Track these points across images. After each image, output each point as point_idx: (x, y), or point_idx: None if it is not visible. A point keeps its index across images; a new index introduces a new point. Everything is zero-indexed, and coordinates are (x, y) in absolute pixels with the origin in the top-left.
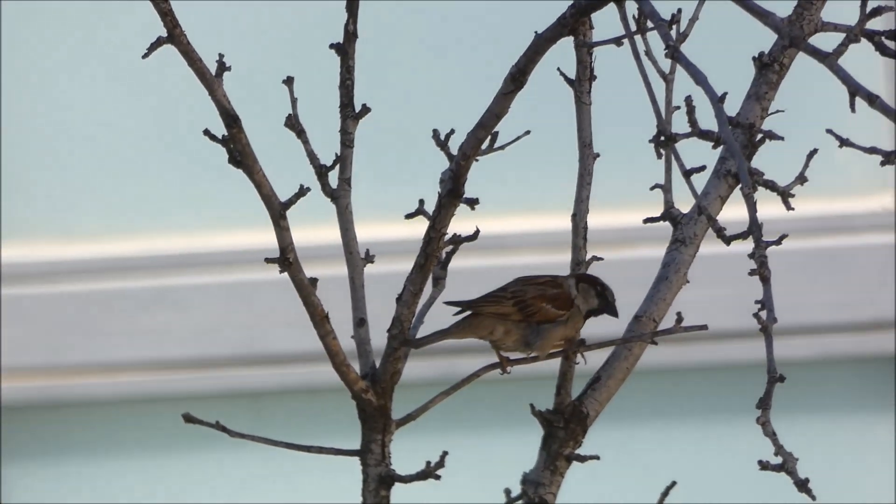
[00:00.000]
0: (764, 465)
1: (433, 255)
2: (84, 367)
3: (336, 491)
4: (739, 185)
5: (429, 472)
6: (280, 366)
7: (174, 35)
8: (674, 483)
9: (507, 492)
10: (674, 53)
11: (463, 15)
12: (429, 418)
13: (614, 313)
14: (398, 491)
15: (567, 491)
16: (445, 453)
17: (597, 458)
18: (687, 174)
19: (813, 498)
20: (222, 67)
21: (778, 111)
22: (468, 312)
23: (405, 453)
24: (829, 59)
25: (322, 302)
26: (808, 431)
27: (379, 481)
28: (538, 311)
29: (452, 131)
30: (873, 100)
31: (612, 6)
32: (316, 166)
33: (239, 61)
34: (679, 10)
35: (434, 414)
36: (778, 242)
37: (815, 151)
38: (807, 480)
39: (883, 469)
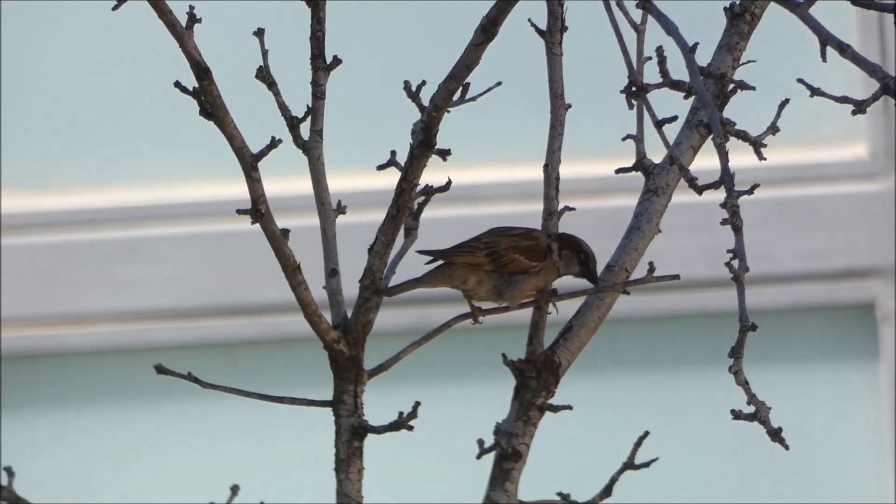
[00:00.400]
0: (737, 415)
1: (405, 206)
2: (56, 319)
3: (309, 442)
4: (711, 135)
5: (401, 423)
6: (252, 316)
7: None
8: (647, 433)
9: (481, 442)
10: (645, 4)
11: None
12: (401, 368)
13: (595, 281)
14: (371, 441)
15: (540, 441)
16: (418, 404)
17: (569, 407)
18: (659, 124)
19: (786, 447)
20: (192, 19)
21: (749, 61)
22: (440, 262)
23: (378, 404)
24: (800, 9)
25: (294, 253)
26: (781, 380)
27: (352, 432)
28: (511, 261)
29: (424, 82)
30: (844, 49)
31: None
32: (287, 118)
33: (209, 13)
34: None
35: (406, 364)
36: (750, 192)
37: (786, 101)
38: (780, 430)
39: (857, 417)
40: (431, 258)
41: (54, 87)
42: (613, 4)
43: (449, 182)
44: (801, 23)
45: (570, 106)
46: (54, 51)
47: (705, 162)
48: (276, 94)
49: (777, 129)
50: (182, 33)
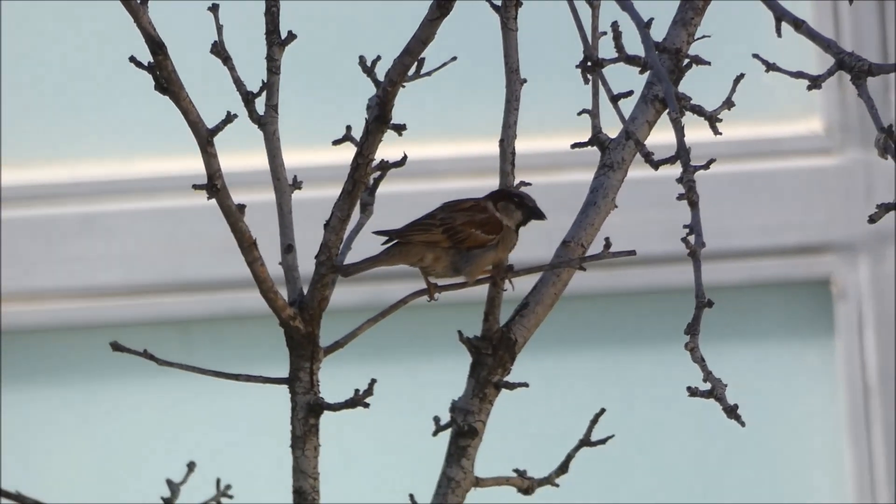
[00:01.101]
0: (693, 392)
1: (361, 181)
2: (10, 295)
3: (265, 419)
4: (667, 110)
5: (357, 400)
6: (208, 293)
7: None
8: (603, 410)
9: (437, 419)
10: None
11: None
12: (357, 345)
13: (541, 216)
14: (327, 419)
15: (496, 418)
16: (374, 381)
17: (526, 385)
18: (614, 99)
19: (742, 424)
20: None
21: (704, 36)
22: (397, 240)
23: (333, 381)
24: None
25: (250, 228)
26: (737, 357)
27: (307, 409)
28: (468, 237)
29: (379, 58)
30: (799, 25)
31: None
32: (242, 93)
33: None
34: None
35: (362, 341)
36: (706, 167)
37: (741, 76)
38: (736, 407)
39: (813, 393)
40: (388, 238)
41: (6, 63)
42: None
43: (405, 157)
44: None
45: (525, 81)
46: (5, 27)
47: (661, 137)
48: (232, 69)
49: (732, 104)
50: (136, 8)
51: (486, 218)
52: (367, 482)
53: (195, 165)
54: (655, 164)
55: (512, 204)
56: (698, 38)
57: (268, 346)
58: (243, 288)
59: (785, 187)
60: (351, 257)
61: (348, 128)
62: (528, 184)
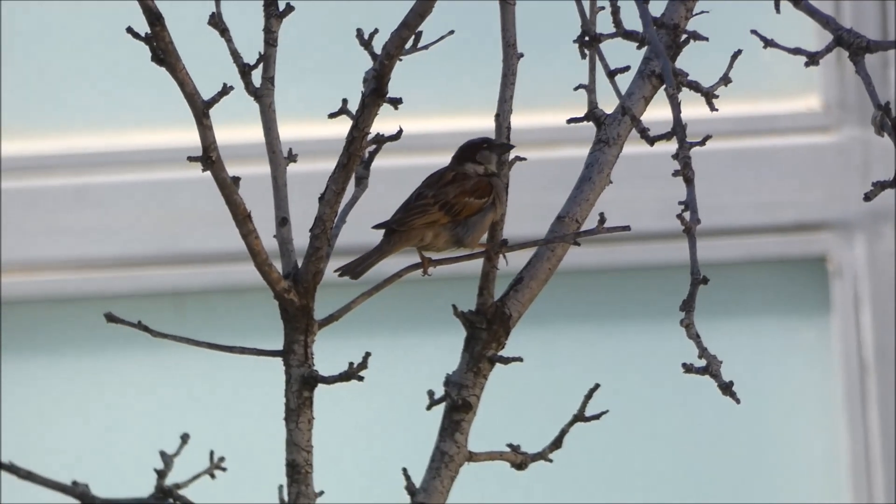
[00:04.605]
0: (688, 368)
1: (356, 155)
2: (5, 266)
3: (259, 391)
4: (664, 86)
5: (352, 374)
6: (203, 265)
7: None
8: (597, 385)
9: (431, 393)
10: None
11: None
12: (351, 319)
13: (509, 146)
14: (321, 392)
15: (490, 392)
16: (368, 354)
17: (520, 359)
18: (611, 74)
19: (737, 401)
20: None
21: (702, 12)
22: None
23: (328, 354)
24: None
25: (245, 201)
26: (733, 334)
27: (302, 382)
28: (464, 207)
29: (376, 31)
30: (798, 0)
31: None
32: (239, 65)
33: None
34: None
35: (356, 314)
36: (702, 143)
37: (739, 52)
38: (731, 384)
39: (808, 371)
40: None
41: (6, 32)
42: None
43: (400, 131)
44: None
45: (522, 55)
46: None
47: (657, 113)
48: (229, 40)
49: (729, 81)
50: None
51: (475, 183)
52: (360, 456)
53: (190, 137)
54: (651, 140)
55: (483, 150)
56: (696, 14)
57: (262, 319)
58: (238, 260)
59: (782, 164)
60: (346, 231)
61: (344, 101)
62: (524, 159)
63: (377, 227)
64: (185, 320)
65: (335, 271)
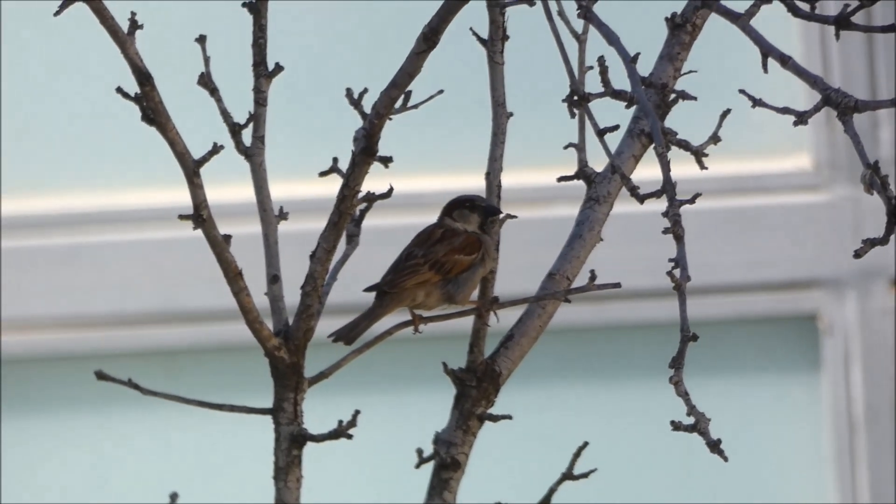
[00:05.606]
0: (676, 426)
1: (347, 213)
2: (3, 324)
3: (249, 450)
4: (653, 145)
5: (341, 431)
6: (194, 323)
7: None
8: (586, 443)
9: (420, 452)
10: (586, 13)
11: None
12: (341, 377)
13: (497, 211)
14: (310, 450)
15: (479, 450)
16: (357, 412)
17: (509, 417)
18: (600, 133)
19: (725, 459)
20: (134, 25)
21: (691, 71)
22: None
23: (317, 412)
24: (741, 20)
25: (236, 259)
26: (722, 391)
27: (291, 440)
28: (454, 264)
29: (366, 90)
30: (786, 60)
31: None
32: (229, 124)
33: (151, 19)
34: None
35: (346, 372)
36: (692, 201)
37: (728, 111)
38: (719, 441)
39: (798, 430)
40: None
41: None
42: (555, 14)
43: (391, 189)
44: (742, 34)
45: (511, 114)
46: None
47: (647, 171)
48: (218, 100)
49: (719, 139)
50: (124, 39)
51: (463, 240)
52: None
53: (182, 196)
54: (641, 198)
55: (465, 209)
56: (685, 73)
57: (253, 377)
58: (229, 318)
59: (772, 223)
60: (336, 289)
61: (335, 160)
62: (514, 217)
63: (368, 289)
64: (177, 378)
65: (328, 337)
